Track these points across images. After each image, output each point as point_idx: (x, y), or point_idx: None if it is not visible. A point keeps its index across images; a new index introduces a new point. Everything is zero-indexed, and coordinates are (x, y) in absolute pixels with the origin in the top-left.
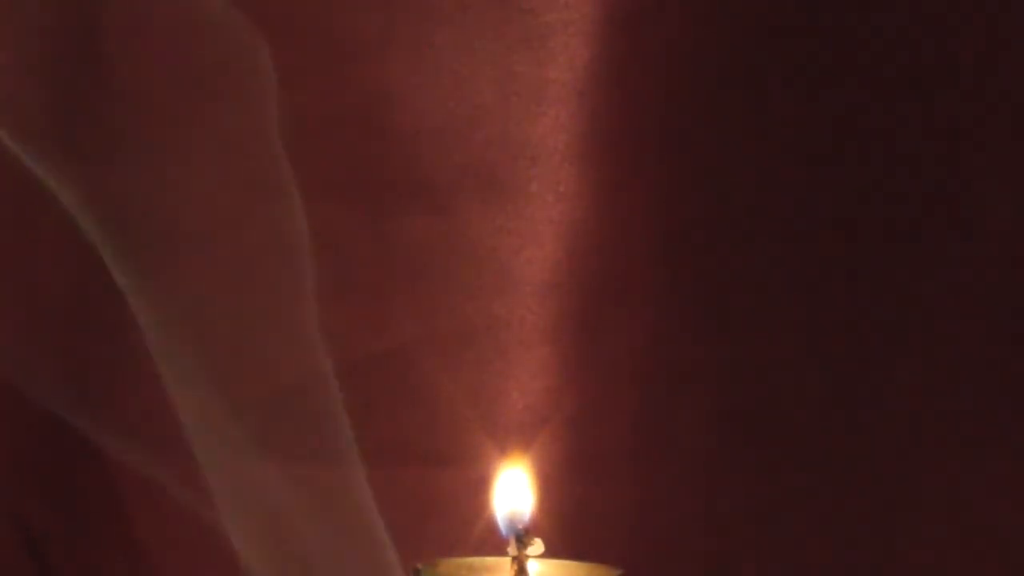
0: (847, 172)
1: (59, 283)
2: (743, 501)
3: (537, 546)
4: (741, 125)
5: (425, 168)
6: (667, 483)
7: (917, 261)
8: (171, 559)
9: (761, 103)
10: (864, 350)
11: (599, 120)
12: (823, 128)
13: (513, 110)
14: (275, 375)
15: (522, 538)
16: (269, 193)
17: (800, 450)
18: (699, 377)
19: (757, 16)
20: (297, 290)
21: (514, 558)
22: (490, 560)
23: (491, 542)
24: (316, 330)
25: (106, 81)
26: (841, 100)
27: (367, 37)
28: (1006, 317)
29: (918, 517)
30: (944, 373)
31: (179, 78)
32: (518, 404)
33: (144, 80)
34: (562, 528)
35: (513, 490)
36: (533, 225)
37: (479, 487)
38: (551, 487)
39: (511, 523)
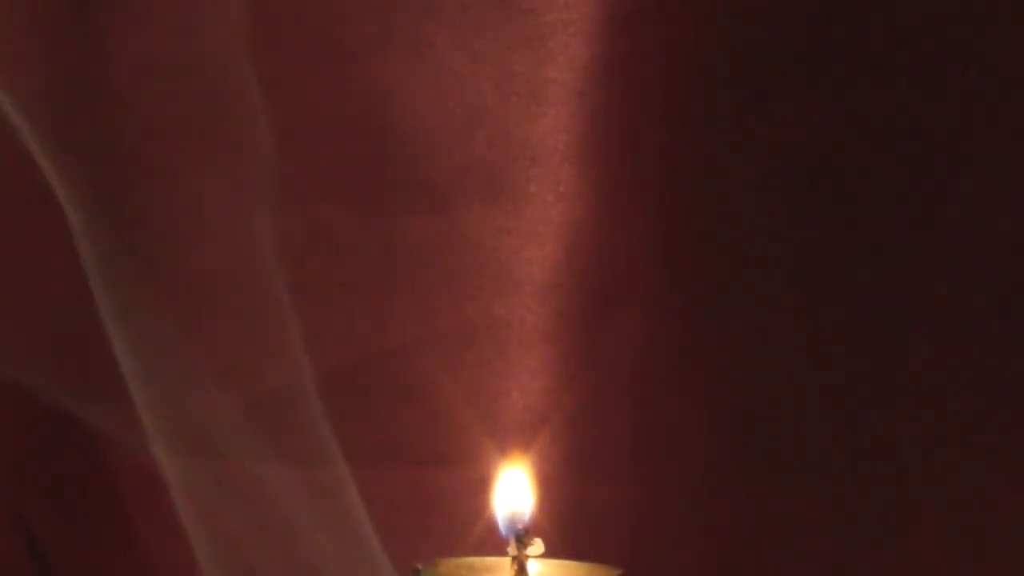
0: (848, 172)
1: (59, 280)
2: (743, 501)
3: (537, 546)
4: (741, 125)
5: (425, 168)
6: (667, 483)
7: (918, 261)
8: (171, 559)
9: (761, 103)
10: (865, 350)
11: (599, 120)
12: (823, 127)
13: (513, 110)
14: (258, 378)
15: (522, 538)
16: (261, 196)
17: (800, 450)
18: (699, 377)
19: (757, 16)
20: (276, 294)
21: (514, 558)
22: (490, 560)
23: (491, 542)
24: (297, 334)
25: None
26: (841, 99)
27: (367, 37)
28: (1008, 317)
29: (919, 517)
30: (945, 373)
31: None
32: (518, 404)
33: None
34: (562, 528)
35: (513, 490)
36: (533, 225)
37: (479, 487)
38: (551, 487)
39: (511, 523)
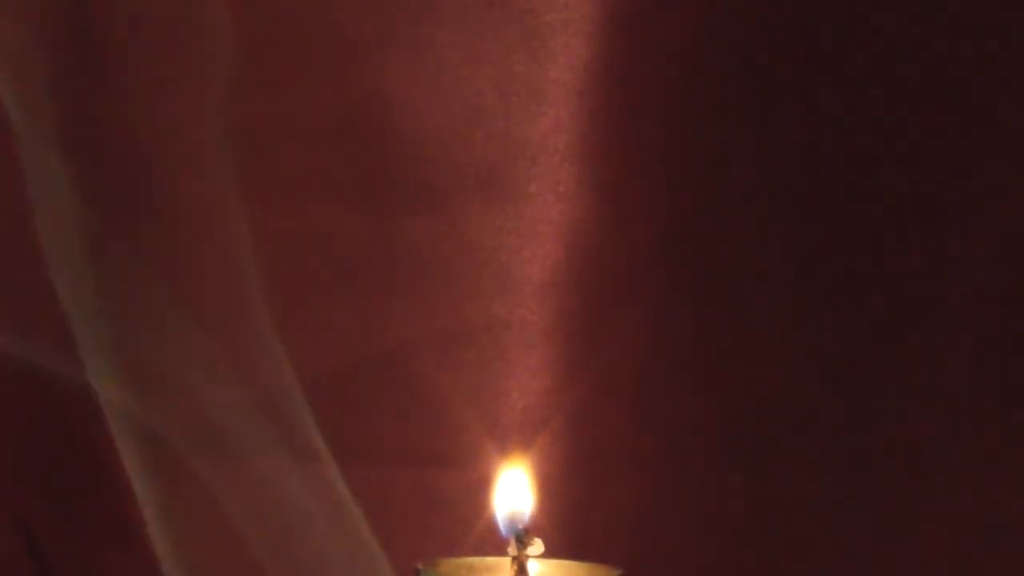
0: (848, 172)
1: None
2: (743, 501)
3: (537, 546)
4: (741, 125)
5: (425, 168)
6: (667, 483)
7: (920, 261)
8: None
9: (761, 103)
10: (865, 350)
11: (599, 120)
12: (824, 127)
13: (513, 110)
14: (258, 377)
15: (522, 538)
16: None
17: (800, 450)
18: (699, 377)
19: (757, 16)
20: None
21: (514, 558)
22: (490, 560)
23: (491, 542)
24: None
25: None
26: (842, 99)
27: (367, 37)
28: (1009, 316)
29: (919, 517)
30: (946, 373)
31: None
32: (518, 404)
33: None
34: (562, 528)
35: (513, 490)
36: (533, 225)
37: (479, 487)
38: (551, 487)
39: (511, 523)
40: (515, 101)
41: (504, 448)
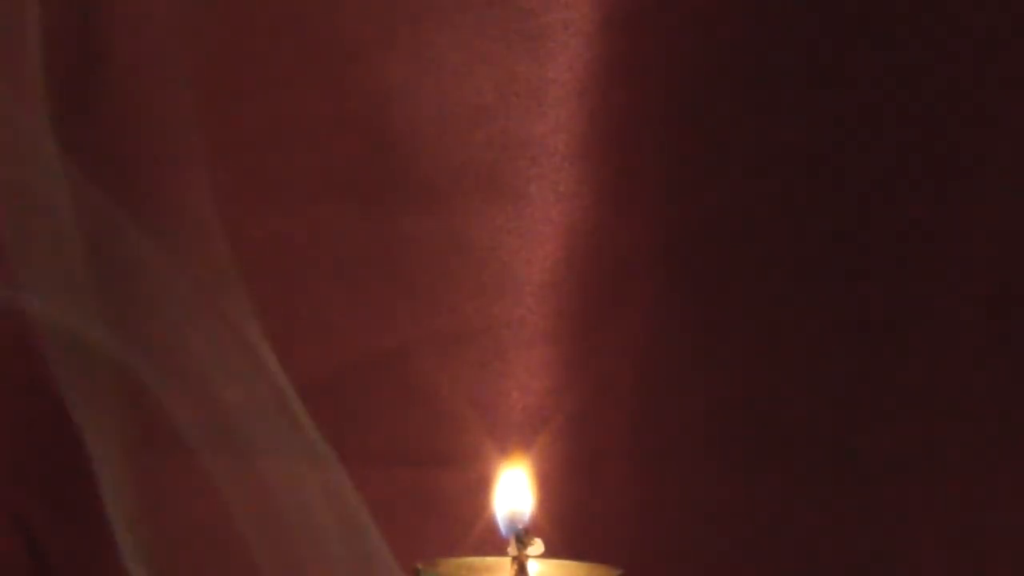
0: (848, 172)
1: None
2: (743, 501)
3: (537, 546)
4: (741, 125)
5: (425, 168)
6: (667, 483)
7: (919, 260)
8: (172, 560)
9: (761, 103)
10: (865, 349)
11: (599, 120)
12: (824, 128)
13: (513, 110)
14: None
15: (522, 538)
16: (264, 195)
17: (800, 450)
18: (699, 377)
19: (757, 16)
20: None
21: (514, 558)
22: (490, 560)
23: (491, 542)
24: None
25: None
26: (842, 99)
27: (367, 37)
28: (1009, 317)
29: (919, 517)
30: (946, 373)
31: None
32: (518, 404)
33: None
34: (562, 528)
35: (513, 490)
36: (533, 225)
37: (479, 487)
38: (551, 487)
39: (511, 523)
40: (515, 101)
41: (504, 448)
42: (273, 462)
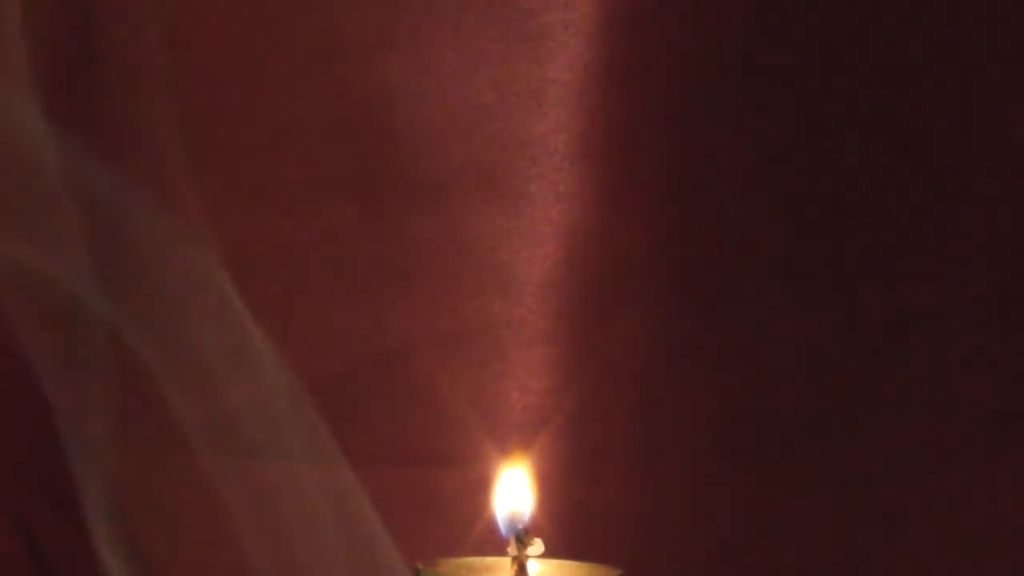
0: (848, 172)
1: None
2: (743, 501)
3: (537, 546)
4: (741, 125)
5: (425, 168)
6: (667, 483)
7: (920, 261)
8: (172, 560)
9: (761, 103)
10: (865, 349)
11: (599, 120)
12: (823, 128)
13: (513, 110)
14: (261, 377)
15: (522, 538)
16: (260, 195)
17: (801, 450)
18: (699, 377)
19: (757, 16)
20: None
21: (514, 558)
22: (490, 560)
23: (491, 542)
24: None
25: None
26: (842, 99)
27: (367, 37)
28: (1009, 317)
29: (919, 517)
30: (947, 372)
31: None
32: (518, 404)
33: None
34: (562, 528)
35: (513, 490)
36: (533, 225)
37: (479, 487)
38: (551, 487)
39: (511, 523)
40: (515, 101)
41: (504, 448)
42: (275, 462)
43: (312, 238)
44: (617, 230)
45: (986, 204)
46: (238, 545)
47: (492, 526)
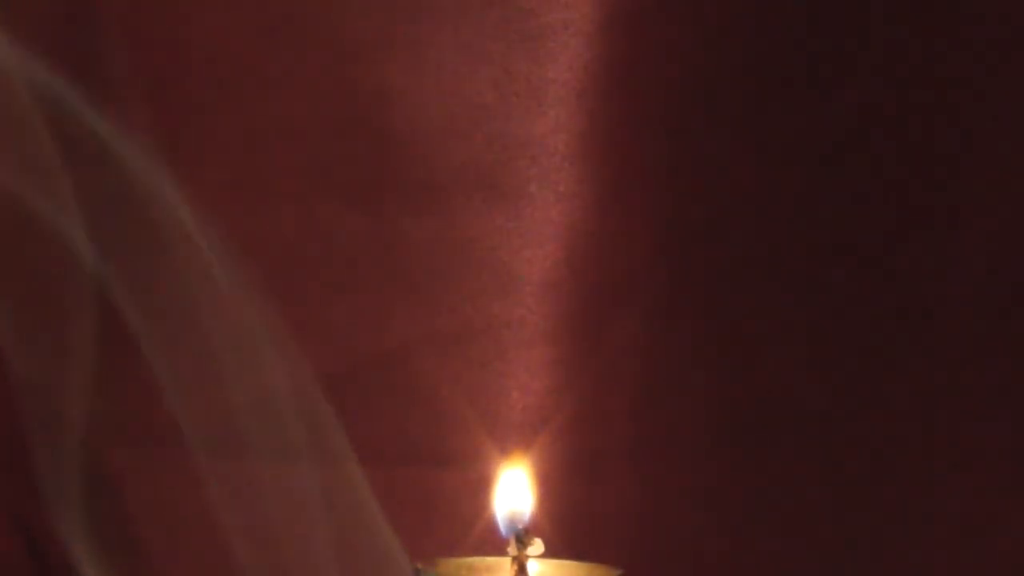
0: (848, 171)
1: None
2: (744, 501)
3: (537, 546)
4: (741, 125)
5: (425, 168)
6: (667, 483)
7: (920, 260)
8: (172, 560)
9: (761, 103)
10: (866, 349)
11: (599, 120)
12: (824, 127)
13: (513, 110)
14: (262, 378)
15: (522, 538)
16: (260, 195)
17: (801, 449)
18: (699, 377)
19: (757, 16)
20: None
21: (514, 558)
22: (490, 560)
23: (491, 542)
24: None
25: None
26: (842, 99)
27: (367, 37)
28: (1009, 317)
29: (919, 516)
30: (947, 372)
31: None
32: (518, 404)
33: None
34: (562, 528)
35: (513, 490)
36: (533, 225)
37: (479, 487)
38: (551, 487)
39: (511, 523)
40: (515, 101)
41: (504, 448)
42: (276, 462)
43: (312, 238)
44: (617, 230)
45: (986, 204)
46: (237, 545)
47: (492, 526)
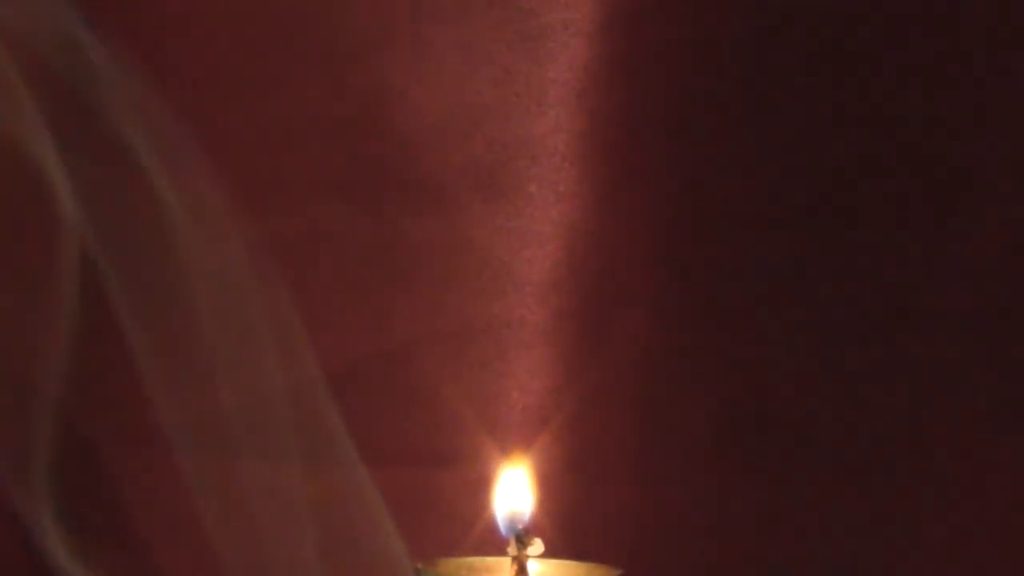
0: (848, 171)
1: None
2: (744, 501)
3: (537, 546)
4: (741, 125)
5: (425, 168)
6: (667, 482)
7: (920, 260)
8: (172, 560)
9: (761, 102)
10: (866, 349)
11: (599, 120)
12: (824, 127)
13: (513, 110)
14: (264, 378)
15: (522, 538)
16: (264, 195)
17: (802, 449)
18: (699, 377)
19: (757, 15)
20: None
21: (514, 558)
22: (490, 560)
23: (491, 542)
24: (303, 333)
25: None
26: (842, 99)
27: (367, 37)
28: (1009, 316)
29: (919, 516)
30: (947, 372)
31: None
32: (518, 404)
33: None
34: (562, 528)
35: (513, 490)
36: (533, 225)
37: (479, 487)
38: (551, 487)
39: (511, 523)
40: (515, 101)
41: (504, 448)
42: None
43: (312, 238)
44: (617, 230)
45: (986, 204)
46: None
47: (492, 526)
